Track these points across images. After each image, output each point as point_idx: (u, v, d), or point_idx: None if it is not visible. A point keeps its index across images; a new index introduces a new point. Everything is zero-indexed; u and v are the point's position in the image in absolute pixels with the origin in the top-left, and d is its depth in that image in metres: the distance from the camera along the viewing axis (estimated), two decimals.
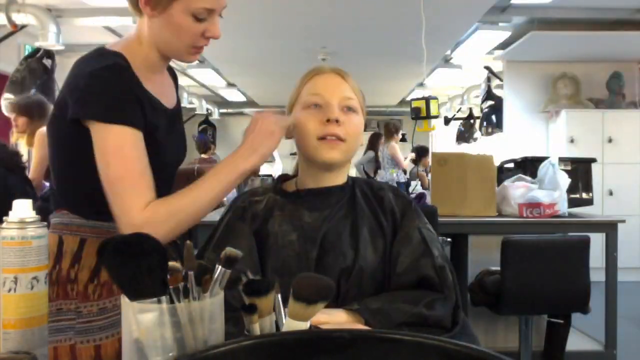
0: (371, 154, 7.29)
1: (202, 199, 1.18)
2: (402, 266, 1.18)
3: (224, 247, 0.76)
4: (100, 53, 1.22)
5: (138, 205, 1.12)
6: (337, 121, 1.19)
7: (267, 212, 1.22)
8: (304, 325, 0.73)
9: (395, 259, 1.19)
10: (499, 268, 2.57)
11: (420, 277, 1.16)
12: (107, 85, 1.15)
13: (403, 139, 11.69)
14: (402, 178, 6.95)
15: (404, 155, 7.71)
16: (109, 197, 1.14)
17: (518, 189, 2.98)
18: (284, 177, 1.33)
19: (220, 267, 0.73)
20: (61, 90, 1.23)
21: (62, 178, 1.25)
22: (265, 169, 6.12)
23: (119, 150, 1.13)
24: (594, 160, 3.53)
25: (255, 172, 1.30)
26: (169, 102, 1.32)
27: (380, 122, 12.18)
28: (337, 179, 1.26)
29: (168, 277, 0.68)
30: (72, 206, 1.24)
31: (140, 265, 0.64)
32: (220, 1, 1.22)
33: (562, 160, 3.28)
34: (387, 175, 6.89)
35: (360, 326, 1.07)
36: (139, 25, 1.25)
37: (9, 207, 0.74)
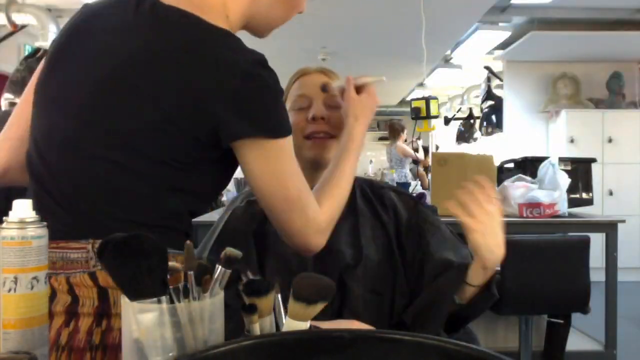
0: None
1: (344, 182, 1.08)
2: (449, 257, 1.18)
3: (222, 247, 0.77)
4: (211, 30, 0.91)
5: (319, 211, 0.99)
6: (322, 118, 1.19)
7: (264, 214, 1.22)
8: (304, 325, 0.73)
9: (440, 254, 1.19)
10: (499, 268, 2.56)
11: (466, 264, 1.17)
12: (276, 88, 0.94)
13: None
14: (409, 178, 6.94)
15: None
16: (284, 217, 0.96)
17: (518, 189, 2.98)
18: None
19: (220, 267, 0.73)
20: (183, 80, 0.88)
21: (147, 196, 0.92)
22: None
23: (292, 164, 0.96)
24: (594, 160, 3.53)
25: None
26: None
27: (380, 122, 12.18)
28: None
29: (168, 277, 0.68)
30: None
31: (140, 265, 0.64)
32: None
33: (562, 160, 3.28)
34: (399, 176, 6.88)
35: (359, 324, 1.07)
36: None
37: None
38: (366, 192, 1.28)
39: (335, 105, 1.22)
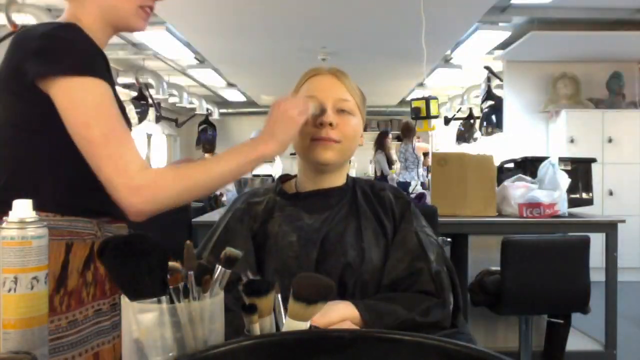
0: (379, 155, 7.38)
1: (214, 171, 1.04)
2: (398, 271, 1.18)
3: (221, 248, 0.76)
4: (43, 23, 1.09)
5: (135, 165, 0.97)
6: (330, 124, 1.19)
7: (267, 213, 1.22)
8: (304, 325, 0.73)
9: (393, 262, 1.19)
10: (499, 268, 2.57)
11: (418, 289, 1.16)
12: (70, 39, 1.02)
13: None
14: (394, 176, 6.96)
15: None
16: (95, 163, 0.97)
17: (518, 189, 2.98)
18: (284, 178, 1.33)
19: (220, 267, 0.73)
20: (8, 61, 1.05)
21: (16, 167, 1.05)
22: (265, 169, 6.12)
23: (98, 106, 0.98)
24: (594, 160, 3.54)
25: (257, 165, 1.22)
26: None
27: (380, 122, 12.18)
28: (336, 180, 1.26)
29: (168, 277, 0.68)
30: (39, 196, 0.96)
31: (140, 265, 0.64)
32: None
33: (562, 160, 3.29)
34: (412, 175, 6.88)
35: (344, 306, 1.07)
36: (72, 7, 1.13)
37: None
38: (367, 193, 1.28)
39: (345, 110, 1.22)
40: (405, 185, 6.16)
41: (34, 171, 1.05)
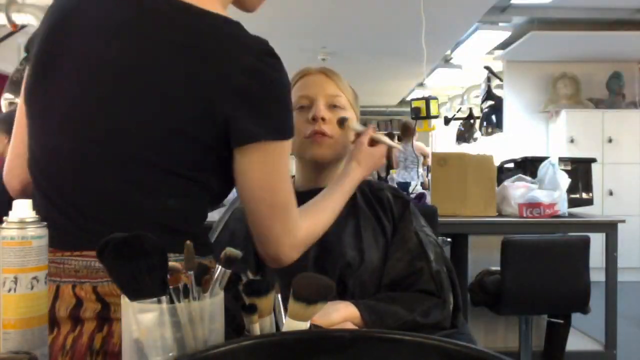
0: None
1: (333, 217, 1.09)
2: (398, 270, 1.18)
3: (222, 248, 0.76)
4: (224, 20, 0.88)
5: (299, 226, 0.96)
6: (322, 119, 1.19)
7: None
8: (304, 325, 0.73)
9: (392, 262, 1.19)
10: (499, 268, 2.57)
11: (418, 288, 1.17)
12: (284, 87, 0.89)
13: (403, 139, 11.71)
14: (422, 177, 6.93)
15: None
16: (266, 223, 0.93)
17: (518, 189, 2.98)
18: None
19: (220, 267, 0.73)
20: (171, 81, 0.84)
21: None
22: None
23: (286, 171, 0.93)
24: (594, 160, 3.54)
25: None
26: None
27: (380, 122, 12.19)
28: (330, 179, 1.26)
29: (168, 277, 0.68)
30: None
31: (140, 265, 0.64)
32: None
33: (562, 160, 3.28)
34: (407, 174, 6.87)
35: (345, 307, 1.07)
36: None
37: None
38: (366, 192, 1.28)
39: (337, 106, 1.22)
40: (405, 185, 6.15)
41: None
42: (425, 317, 1.11)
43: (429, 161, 6.28)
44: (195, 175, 0.88)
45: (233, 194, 1.17)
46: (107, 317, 0.86)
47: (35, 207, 0.77)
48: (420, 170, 6.97)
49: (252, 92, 0.85)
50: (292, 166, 1.31)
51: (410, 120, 7.47)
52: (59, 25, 0.91)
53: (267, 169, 0.89)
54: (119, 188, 0.87)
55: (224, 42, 0.86)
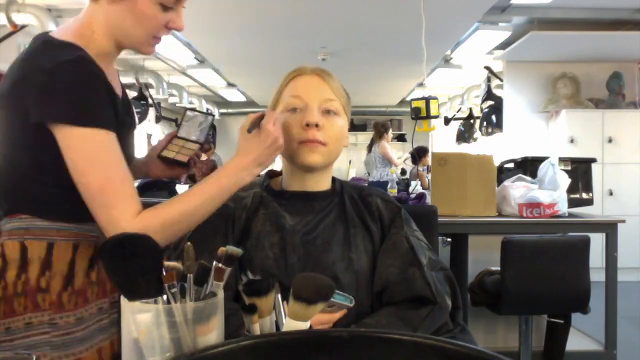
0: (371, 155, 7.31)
1: (199, 209, 1.09)
2: (390, 276, 1.17)
3: (199, 242, 0.77)
4: (51, 45, 1.09)
5: (126, 216, 1.03)
6: (316, 125, 1.18)
7: (251, 209, 1.20)
8: (304, 325, 0.73)
9: (383, 268, 1.18)
10: (499, 268, 2.57)
11: (413, 295, 1.16)
12: (73, 82, 1.03)
13: (403, 139, 11.71)
14: (393, 176, 6.93)
15: (400, 155, 7.72)
16: (91, 208, 1.05)
17: (518, 189, 2.98)
18: (272, 173, 1.32)
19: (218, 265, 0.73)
20: (12, 83, 1.08)
21: (20, 180, 1.11)
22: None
23: (95, 156, 1.04)
24: (594, 160, 3.53)
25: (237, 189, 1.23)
26: (120, 93, 1.21)
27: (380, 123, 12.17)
28: (321, 183, 1.25)
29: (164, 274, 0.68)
30: (33, 209, 1.09)
31: (133, 267, 0.64)
32: None
33: (562, 160, 3.28)
34: (380, 175, 6.88)
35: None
36: (91, 10, 1.13)
37: None
38: (355, 198, 1.26)
39: (330, 111, 1.21)
40: (381, 184, 6.15)
41: (40, 183, 1.10)
42: (427, 329, 1.12)
43: (429, 160, 6.29)
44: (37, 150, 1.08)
45: None
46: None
47: None
48: (388, 170, 6.94)
49: (47, 87, 1.02)
50: (279, 165, 1.31)
51: (379, 122, 7.47)
52: None
53: (73, 153, 1.03)
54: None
55: (40, 55, 1.07)
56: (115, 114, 1.10)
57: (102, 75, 1.09)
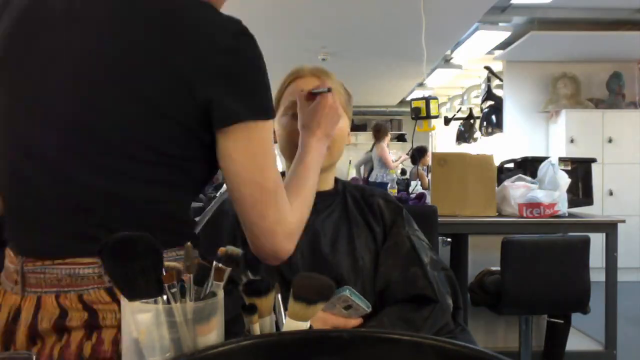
0: (368, 155, 7.35)
1: (310, 197, 1.01)
2: (392, 275, 1.17)
3: (205, 244, 0.76)
4: (198, 2, 0.87)
5: (291, 212, 0.92)
6: None
7: None
8: (304, 326, 0.73)
9: (385, 267, 1.18)
10: (499, 268, 2.57)
11: (414, 294, 1.16)
12: (261, 66, 0.88)
13: (403, 139, 11.71)
14: (393, 176, 6.96)
15: (399, 155, 7.74)
16: (258, 208, 0.88)
17: (518, 189, 2.98)
18: None
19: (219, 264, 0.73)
20: (152, 35, 0.83)
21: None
22: None
23: (272, 150, 0.90)
24: (594, 160, 3.53)
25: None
26: None
27: (380, 123, 12.17)
28: (324, 183, 1.25)
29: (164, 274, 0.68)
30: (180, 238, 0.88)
31: (133, 266, 0.64)
32: None
33: (562, 160, 3.28)
34: (376, 176, 6.91)
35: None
36: None
37: None
38: (357, 198, 1.27)
39: None
40: (380, 185, 6.18)
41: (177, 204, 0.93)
42: (430, 330, 1.12)
43: (429, 160, 6.31)
44: (180, 163, 0.87)
45: (224, 187, 1.15)
46: (95, 324, 0.83)
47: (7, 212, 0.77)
48: (382, 171, 6.95)
49: (231, 72, 0.84)
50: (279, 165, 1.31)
51: (381, 123, 7.49)
52: (27, 8, 0.89)
53: (253, 151, 0.86)
54: (101, 184, 0.84)
55: (200, 24, 0.85)
56: None
57: None
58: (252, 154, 0.86)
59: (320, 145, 1.09)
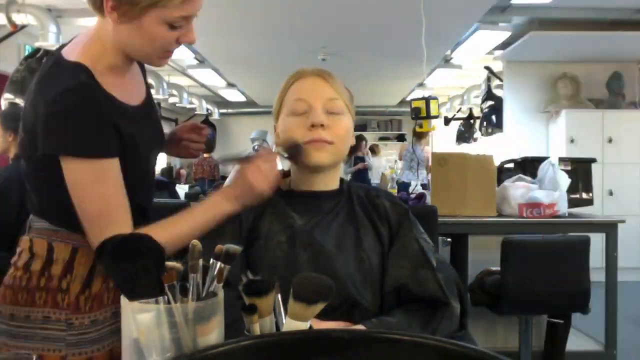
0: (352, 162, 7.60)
1: (183, 236, 1.11)
2: (401, 277, 1.17)
3: (207, 243, 0.77)
4: (59, 68, 1.12)
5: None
6: (322, 125, 1.18)
7: (258, 209, 1.20)
8: (304, 326, 0.73)
9: (394, 269, 1.18)
10: (499, 268, 2.57)
11: (425, 296, 1.16)
12: (69, 113, 1.06)
13: (403, 139, 11.72)
14: (393, 176, 7.01)
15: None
16: (86, 232, 1.10)
17: (518, 189, 2.98)
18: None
19: (219, 263, 0.73)
20: (27, 113, 1.14)
21: (45, 196, 1.18)
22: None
23: (91, 185, 1.09)
24: (594, 160, 3.53)
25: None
26: (139, 98, 1.23)
27: (380, 122, 12.18)
28: (329, 182, 1.25)
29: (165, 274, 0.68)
30: (59, 220, 1.17)
31: (135, 266, 0.64)
32: (196, 5, 1.12)
33: (562, 160, 3.28)
34: (412, 175, 6.90)
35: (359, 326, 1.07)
36: (100, 25, 1.13)
37: None
38: (362, 199, 1.27)
39: (334, 111, 1.21)
40: (405, 185, 6.18)
41: (64, 197, 1.12)
42: (443, 333, 1.12)
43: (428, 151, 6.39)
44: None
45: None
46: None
47: None
48: (424, 172, 6.99)
49: (48, 117, 1.06)
50: (286, 165, 1.31)
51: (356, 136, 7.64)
52: None
53: (71, 180, 1.08)
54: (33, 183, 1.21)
55: (44, 80, 1.12)
56: (119, 130, 1.11)
57: (102, 97, 1.11)
58: (72, 184, 1.10)
59: (224, 203, 1.17)
